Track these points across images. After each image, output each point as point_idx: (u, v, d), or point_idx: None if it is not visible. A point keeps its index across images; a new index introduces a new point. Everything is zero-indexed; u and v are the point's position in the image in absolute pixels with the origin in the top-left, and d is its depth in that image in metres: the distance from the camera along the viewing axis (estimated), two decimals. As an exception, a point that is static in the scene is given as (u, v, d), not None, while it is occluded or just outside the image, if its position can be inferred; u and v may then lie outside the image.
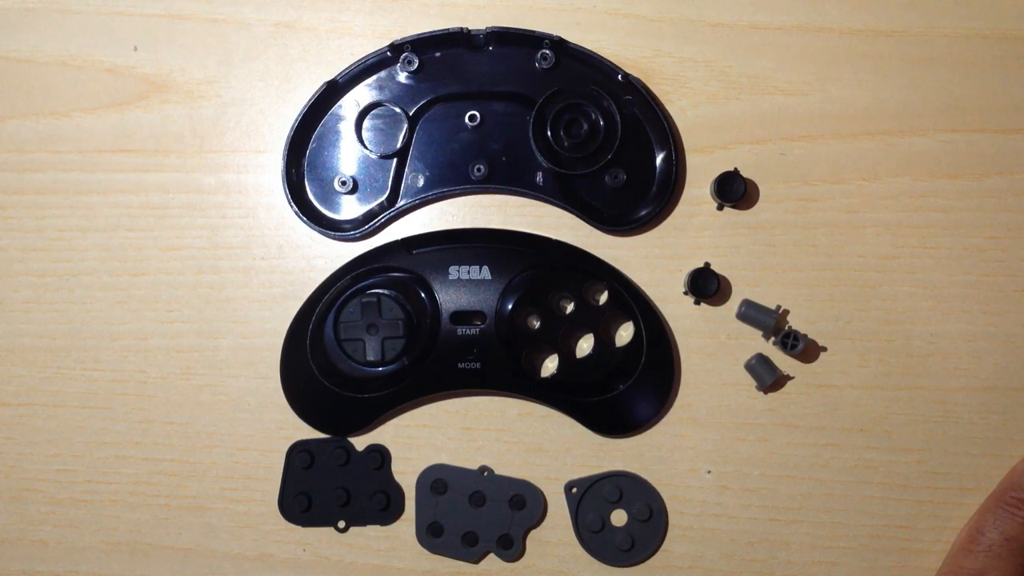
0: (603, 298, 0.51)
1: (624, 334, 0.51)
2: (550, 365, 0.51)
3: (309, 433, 0.52)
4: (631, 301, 0.50)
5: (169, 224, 0.53)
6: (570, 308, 0.50)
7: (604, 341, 0.50)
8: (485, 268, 0.49)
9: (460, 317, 0.49)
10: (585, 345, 0.51)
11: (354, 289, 0.50)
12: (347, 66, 0.52)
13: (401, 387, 0.50)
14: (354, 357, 0.49)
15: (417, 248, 0.50)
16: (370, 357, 0.49)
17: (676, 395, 0.52)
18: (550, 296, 0.50)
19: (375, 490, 0.51)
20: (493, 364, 0.49)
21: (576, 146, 0.51)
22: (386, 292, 0.49)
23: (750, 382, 0.51)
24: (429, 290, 0.49)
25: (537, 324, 0.50)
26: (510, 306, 0.49)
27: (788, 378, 0.52)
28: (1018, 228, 0.52)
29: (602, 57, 0.51)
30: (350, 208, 0.52)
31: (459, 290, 0.49)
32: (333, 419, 0.51)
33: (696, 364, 0.52)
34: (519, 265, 0.49)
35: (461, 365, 0.49)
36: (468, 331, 0.49)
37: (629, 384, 0.50)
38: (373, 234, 0.52)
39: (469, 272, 0.49)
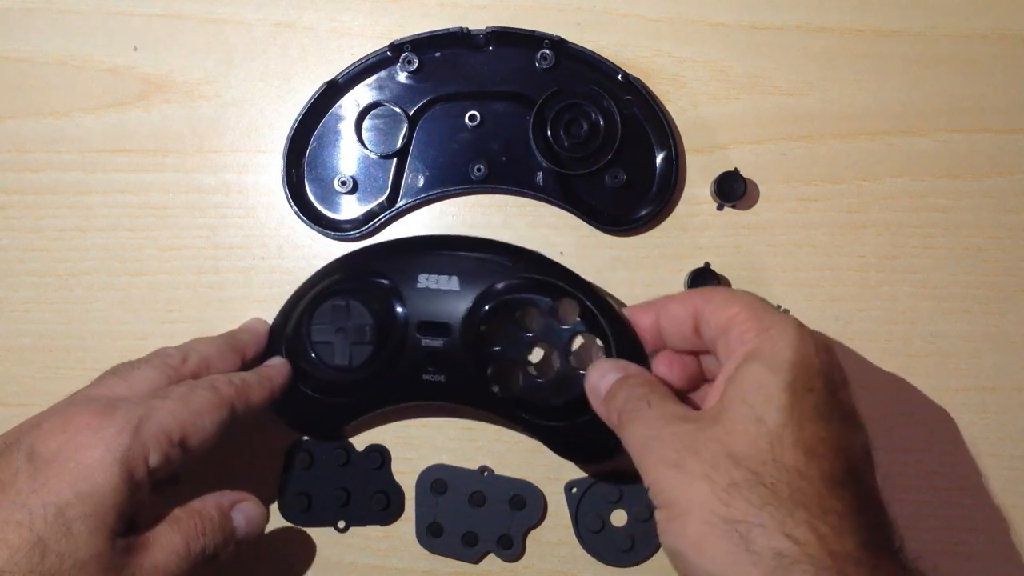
0: (576, 317, 0.47)
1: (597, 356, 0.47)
2: (516, 384, 0.47)
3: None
4: (603, 322, 0.46)
5: (169, 224, 0.53)
6: (539, 326, 0.47)
7: (571, 364, 0.46)
8: (454, 278, 0.47)
9: (426, 327, 0.47)
10: (553, 366, 0.48)
11: (326, 292, 0.48)
12: (347, 66, 0.52)
13: (369, 394, 0.48)
14: (325, 360, 0.47)
15: (392, 252, 0.49)
16: (338, 361, 0.47)
17: (676, 395, 0.51)
18: (519, 312, 0.47)
19: (375, 490, 0.51)
20: (457, 378, 0.47)
21: (576, 146, 0.51)
22: (356, 297, 0.47)
23: (750, 382, 0.51)
24: (400, 297, 0.47)
25: (503, 341, 0.47)
26: (475, 320, 0.46)
27: (788, 378, 0.51)
28: (1018, 228, 0.52)
29: (602, 57, 0.51)
30: (350, 208, 0.52)
31: (427, 300, 0.47)
32: (307, 421, 0.51)
33: (696, 364, 0.52)
34: (489, 277, 0.47)
35: (426, 377, 0.47)
36: (433, 343, 0.47)
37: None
38: (373, 234, 0.52)
39: (438, 282, 0.47)
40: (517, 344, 0.47)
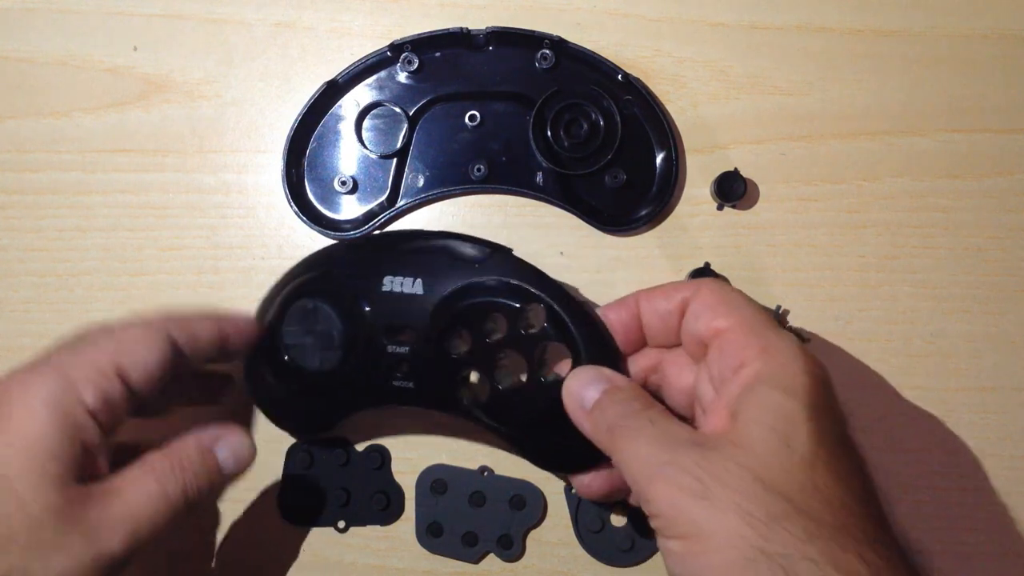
0: (544, 322, 0.44)
1: (566, 364, 0.44)
2: (484, 392, 0.45)
3: (309, 433, 0.52)
4: (573, 327, 0.43)
5: (169, 224, 0.53)
6: (506, 331, 0.44)
7: (538, 373, 0.44)
8: (418, 281, 0.44)
9: (392, 332, 0.45)
10: (521, 373, 0.45)
11: (297, 294, 0.46)
12: (347, 66, 0.52)
13: (341, 398, 0.47)
14: (298, 362, 0.45)
15: (360, 252, 0.47)
16: (310, 365, 0.45)
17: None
18: (485, 317, 0.44)
19: (375, 490, 0.51)
20: (425, 385, 0.45)
21: (576, 146, 0.51)
22: (325, 300, 0.45)
23: (750, 382, 0.51)
24: (368, 300, 0.45)
25: (469, 347, 0.44)
26: (439, 325, 0.44)
27: (788, 378, 0.51)
28: (1018, 228, 0.52)
29: (602, 57, 0.51)
30: (350, 208, 0.52)
31: (391, 304, 0.44)
32: (290, 419, 0.49)
33: (696, 364, 0.52)
34: (453, 280, 0.44)
35: (395, 383, 0.45)
36: (398, 348, 0.45)
37: (567, 420, 0.42)
38: (373, 234, 0.52)
39: (402, 285, 0.44)
40: (483, 351, 0.44)
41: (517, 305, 0.44)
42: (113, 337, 0.40)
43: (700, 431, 0.38)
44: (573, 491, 0.51)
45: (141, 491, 0.38)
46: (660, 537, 0.35)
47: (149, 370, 0.40)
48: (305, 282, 0.46)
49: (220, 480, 0.42)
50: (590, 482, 0.44)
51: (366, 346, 0.45)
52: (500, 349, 0.44)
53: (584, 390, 0.41)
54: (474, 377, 0.46)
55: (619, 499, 0.43)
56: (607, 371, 0.42)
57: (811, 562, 0.32)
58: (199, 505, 0.41)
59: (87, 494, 0.37)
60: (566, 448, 0.43)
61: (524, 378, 0.44)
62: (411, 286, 0.44)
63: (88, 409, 0.38)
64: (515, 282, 0.44)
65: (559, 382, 0.43)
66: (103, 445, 0.39)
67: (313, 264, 0.48)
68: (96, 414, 0.38)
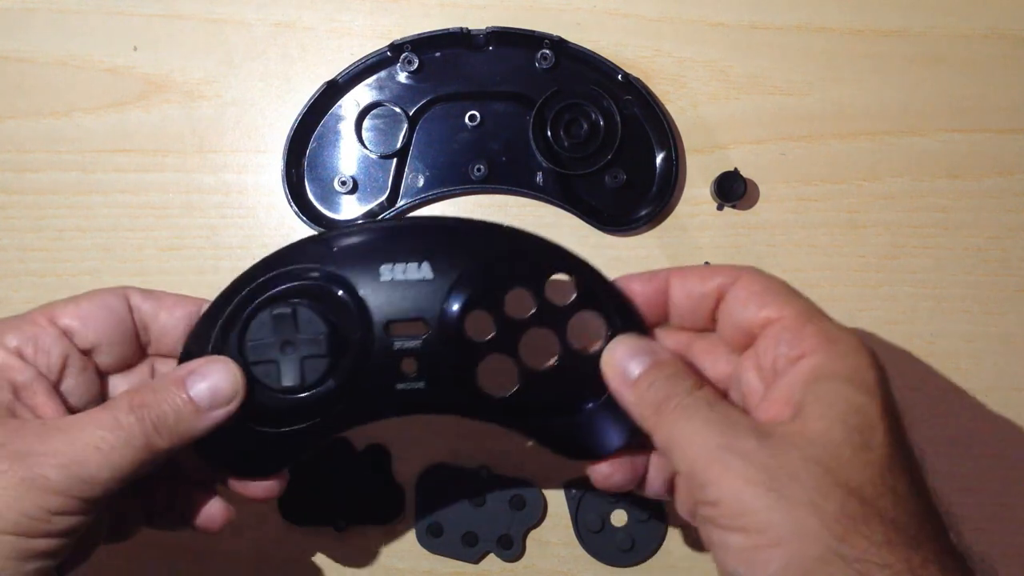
0: (571, 296, 0.40)
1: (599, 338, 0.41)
2: (511, 380, 0.41)
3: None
4: (604, 297, 0.40)
5: (169, 224, 0.53)
6: (531, 310, 0.40)
7: (572, 348, 0.40)
8: (425, 265, 0.39)
9: (398, 327, 0.40)
10: (552, 352, 0.41)
11: (264, 299, 0.40)
12: (347, 66, 0.52)
13: (327, 417, 0.40)
14: (267, 383, 0.39)
15: (341, 243, 0.41)
16: (286, 382, 0.39)
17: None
18: (507, 296, 0.40)
19: (375, 490, 0.51)
20: (440, 382, 0.40)
21: (576, 146, 0.51)
22: (303, 301, 0.39)
23: (750, 382, 0.51)
24: (357, 296, 0.39)
25: (492, 331, 0.40)
26: (457, 310, 0.39)
27: (788, 378, 0.51)
28: (1018, 228, 0.52)
29: (602, 57, 0.51)
30: (350, 208, 0.52)
31: (394, 294, 0.39)
32: (244, 459, 0.41)
33: (696, 364, 0.52)
34: (467, 259, 0.40)
35: (400, 386, 0.40)
36: (407, 344, 0.39)
37: (606, 397, 0.40)
38: (373, 234, 0.52)
39: (405, 271, 0.39)
40: (508, 332, 0.40)
41: (542, 277, 0.40)
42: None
43: (758, 420, 0.35)
44: (573, 491, 0.51)
45: (90, 425, 0.36)
46: (715, 528, 0.33)
47: (84, 311, 0.41)
48: (273, 283, 0.40)
49: (196, 416, 0.38)
50: (611, 472, 0.41)
51: (363, 348, 0.40)
52: (527, 328, 0.40)
53: (628, 361, 0.38)
54: (498, 364, 0.41)
55: (629, 490, 0.42)
56: (651, 342, 0.39)
57: (887, 568, 0.30)
58: (175, 444, 0.37)
59: (19, 427, 0.36)
60: (600, 430, 0.40)
61: (558, 356, 0.40)
62: (417, 271, 0.40)
63: (10, 349, 0.38)
64: (539, 252, 0.41)
65: (595, 355, 0.40)
66: (39, 385, 0.38)
67: (275, 263, 0.41)
68: (21, 352, 0.38)
